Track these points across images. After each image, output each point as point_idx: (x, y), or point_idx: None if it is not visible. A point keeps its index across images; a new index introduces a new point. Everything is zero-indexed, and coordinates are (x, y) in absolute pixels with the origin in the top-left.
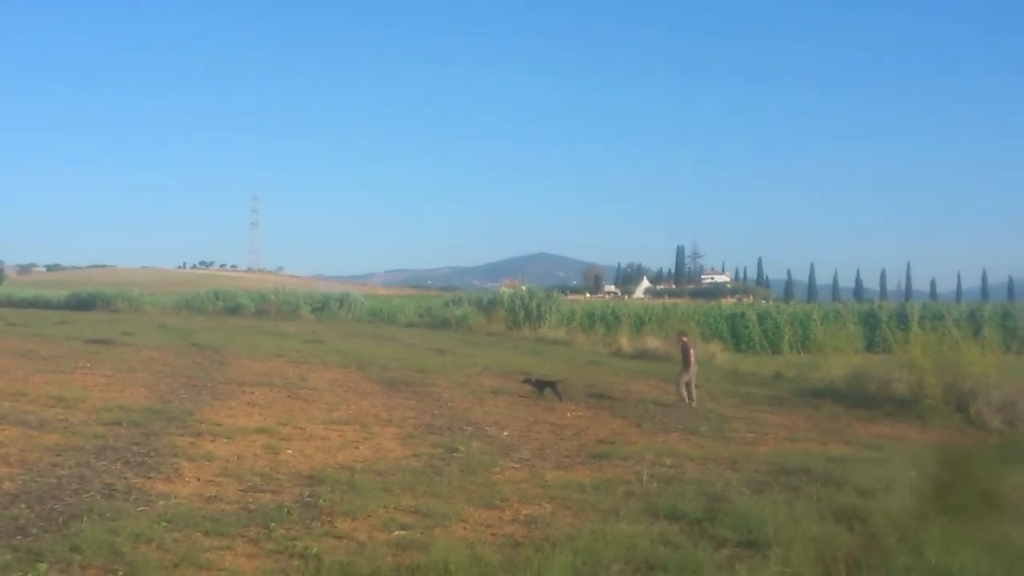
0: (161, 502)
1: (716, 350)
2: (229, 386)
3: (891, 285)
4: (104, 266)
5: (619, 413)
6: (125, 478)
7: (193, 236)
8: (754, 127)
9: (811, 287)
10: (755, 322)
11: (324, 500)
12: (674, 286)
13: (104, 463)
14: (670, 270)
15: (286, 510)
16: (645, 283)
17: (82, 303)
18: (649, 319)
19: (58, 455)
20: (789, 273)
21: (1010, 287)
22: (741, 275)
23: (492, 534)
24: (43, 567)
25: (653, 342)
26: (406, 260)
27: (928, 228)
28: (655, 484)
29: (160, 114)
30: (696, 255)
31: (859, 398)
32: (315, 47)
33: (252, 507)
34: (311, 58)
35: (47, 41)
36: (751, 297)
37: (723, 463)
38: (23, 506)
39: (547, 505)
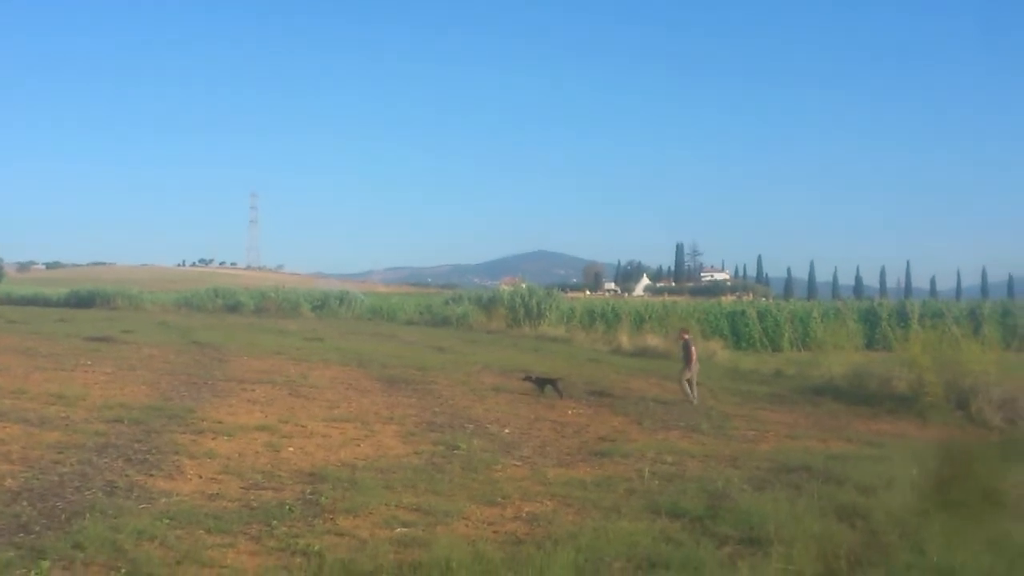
0: (163, 499)
1: (716, 348)
2: (230, 384)
3: (891, 283)
4: (104, 264)
5: (620, 411)
6: (127, 475)
7: (193, 234)
8: (754, 125)
9: (811, 285)
10: (755, 320)
11: (326, 497)
12: (674, 284)
13: (106, 461)
14: (670, 268)
15: (288, 507)
16: (645, 281)
17: (82, 301)
18: (649, 317)
19: (60, 453)
20: (789, 271)
21: (1010, 285)
22: (741, 273)
23: (494, 531)
24: (46, 564)
25: (653, 340)
26: (406, 258)
27: (928, 226)
28: (656, 482)
29: (160, 112)
30: (696, 253)
31: (859, 395)
32: (314, 45)
33: (254, 504)
34: (310, 56)
35: (46, 40)
36: (751, 295)
37: (724, 460)
38: (25, 504)
39: (548, 502)
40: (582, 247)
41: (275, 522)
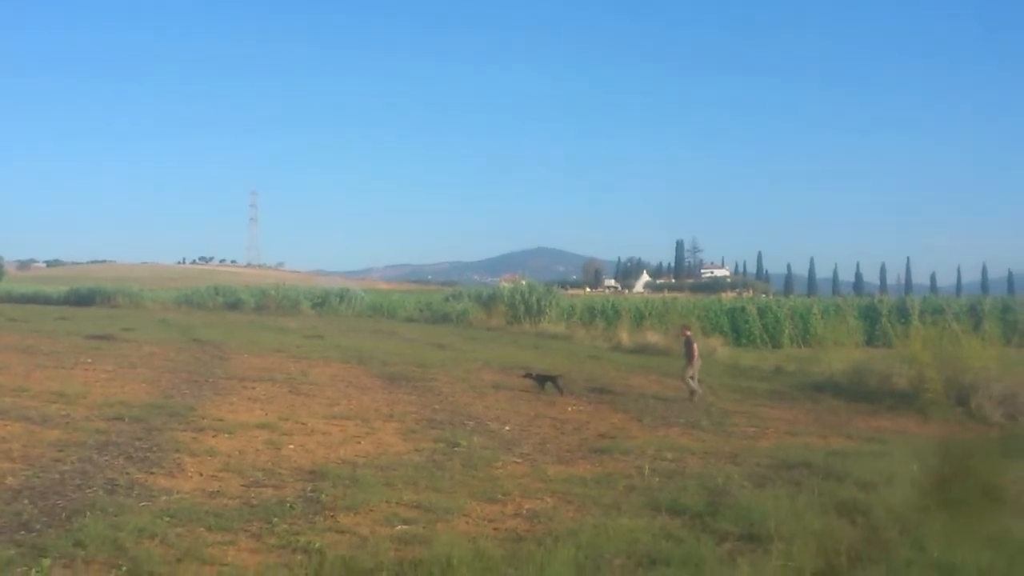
0: (164, 497)
1: (717, 344)
2: (230, 381)
3: (891, 279)
4: (104, 262)
5: (620, 408)
6: (127, 473)
7: (193, 232)
8: (754, 122)
9: (811, 281)
10: (755, 316)
11: (326, 495)
12: (674, 280)
13: (106, 458)
14: (670, 264)
15: (288, 505)
16: (645, 277)
17: (82, 299)
18: (649, 313)
19: (60, 451)
20: (789, 267)
21: (1010, 281)
22: (741, 269)
23: (494, 528)
24: (47, 562)
25: (653, 336)
26: (406, 255)
27: (928, 222)
28: (656, 478)
29: (159, 110)
30: (696, 249)
31: (860, 392)
32: (313, 42)
33: (254, 502)
34: (310, 53)
35: (47, 38)
36: (751, 291)
37: (724, 457)
38: (26, 501)
39: (549, 499)
40: (582, 244)
41: (276, 519)
